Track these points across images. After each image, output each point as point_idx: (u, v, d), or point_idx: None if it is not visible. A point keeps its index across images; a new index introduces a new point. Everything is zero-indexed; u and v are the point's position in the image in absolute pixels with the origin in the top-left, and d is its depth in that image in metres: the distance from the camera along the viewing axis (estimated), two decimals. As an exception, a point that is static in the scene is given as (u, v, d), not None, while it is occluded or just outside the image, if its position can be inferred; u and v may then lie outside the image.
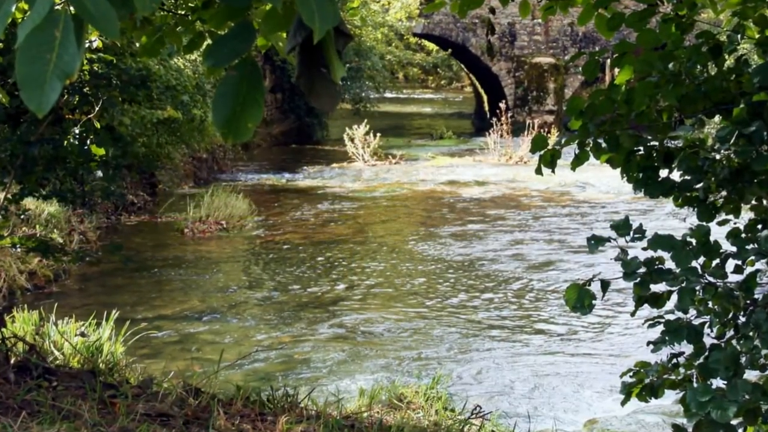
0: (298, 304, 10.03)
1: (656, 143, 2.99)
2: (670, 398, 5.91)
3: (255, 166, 21.64)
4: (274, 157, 23.74)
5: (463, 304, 10.11)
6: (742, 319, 2.87)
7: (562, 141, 3.02)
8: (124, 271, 10.83)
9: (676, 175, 3.04)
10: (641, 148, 2.99)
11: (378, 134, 22.36)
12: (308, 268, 11.68)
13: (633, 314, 2.98)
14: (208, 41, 3.12)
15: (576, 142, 3.01)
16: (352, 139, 22.34)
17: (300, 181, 19.76)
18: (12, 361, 4.81)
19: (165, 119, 12.69)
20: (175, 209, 14.58)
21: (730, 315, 2.89)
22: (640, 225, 2.89)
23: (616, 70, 2.95)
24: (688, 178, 2.99)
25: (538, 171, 3.06)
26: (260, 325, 9.19)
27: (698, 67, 2.94)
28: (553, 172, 3.06)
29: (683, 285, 2.79)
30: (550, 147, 3.03)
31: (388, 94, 37.56)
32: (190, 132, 13.76)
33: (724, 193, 3.04)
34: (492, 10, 4.59)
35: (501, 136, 23.41)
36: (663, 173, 3.03)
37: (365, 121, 22.71)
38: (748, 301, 2.83)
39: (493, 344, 8.73)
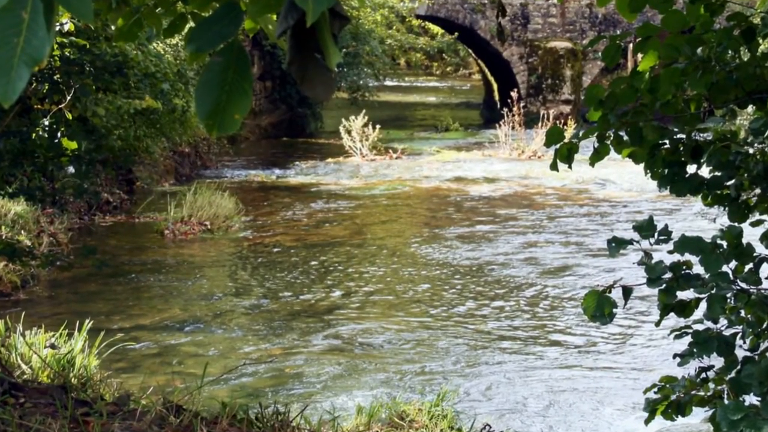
0: (289, 312, 10.07)
1: (683, 136, 2.99)
2: (698, 416, 5.93)
3: (242, 161, 21.66)
4: (263, 151, 23.77)
5: (471, 313, 10.15)
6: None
7: (580, 134, 3.03)
8: (99, 277, 10.87)
9: (705, 171, 3.04)
10: (667, 141, 2.99)
11: (377, 126, 22.36)
12: (301, 274, 11.71)
13: (658, 324, 2.98)
14: (191, 24, 3.12)
15: (595, 134, 3.01)
16: (348, 132, 22.36)
17: (291, 178, 19.80)
18: (-25, 376, 4.80)
19: (143, 109, 12.70)
20: (154, 209, 14.62)
21: (765, 325, 2.89)
22: (666, 226, 2.89)
23: (639, 55, 2.95)
24: (718, 174, 2.99)
25: (554, 167, 3.05)
26: (248, 336, 9.23)
27: (729, 52, 2.94)
28: (569, 167, 3.06)
29: (713, 292, 2.79)
30: (566, 140, 3.03)
31: (388, 82, 37.58)
32: (170, 124, 13.78)
33: (757, 190, 3.04)
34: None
35: (513, 128, 23.43)
36: (691, 169, 3.03)
37: (363, 111, 22.72)
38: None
39: (504, 357, 8.76)
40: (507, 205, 16.79)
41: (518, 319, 9.90)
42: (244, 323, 9.71)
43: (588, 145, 3.14)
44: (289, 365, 8.36)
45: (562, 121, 22.30)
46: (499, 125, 23.79)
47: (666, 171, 2.99)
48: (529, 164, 21.16)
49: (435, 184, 19.26)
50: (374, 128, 22.35)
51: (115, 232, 13.72)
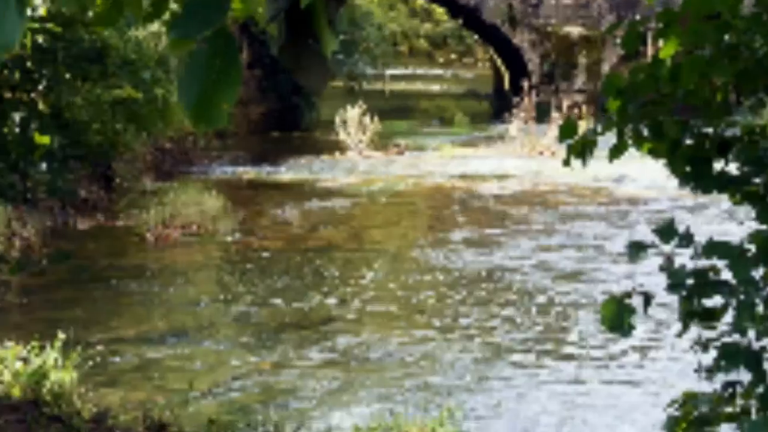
0: (281, 323, 10.06)
1: (708, 130, 2.99)
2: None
3: (229, 157, 21.57)
4: (253, 146, 23.73)
5: (479, 323, 10.16)
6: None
7: (598, 128, 3.02)
8: (75, 284, 10.86)
9: (732, 168, 3.04)
10: (690, 135, 2.99)
11: (376, 118, 22.36)
12: (293, 281, 11.71)
13: (680, 335, 2.98)
14: (174, 7, 3.12)
15: (613, 128, 3.01)
16: (344, 123, 22.34)
17: (283, 175, 19.79)
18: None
19: (123, 100, 12.71)
20: (134, 209, 14.63)
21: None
22: (687, 228, 2.89)
23: (661, 42, 2.95)
24: (747, 170, 2.99)
25: (566, 163, 3.05)
26: (236, 349, 9.24)
27: (758, 38, 2.94)
28: (584, 164, 3.06)
29: (741, 299, 2.79)
30: (580, 135, 3.03)
31: (389, 71, 37.57)
32: (150, 116, 13.77)
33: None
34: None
35: (525, 122, 23.40)
36: (717, 165, 3.02)
37: (360, 102, 22.71)
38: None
39: (515, 371, 8.77)
40: (517, 205, 16.79)
41: (530, 330, 9.91)
42: (231, 334, 9.74)
43: (606, 139, 3.13)
44: (281, 380, 8.38)
45: (577, 111, 22.26)
46: (509, 118, 23.77)
47: (689, 168, 2.98)
48: (542, 161, 21.07)
49: (439, 182, 19.27)
50: (373, 119, 22.34)
51: (92, 235, 13.73)
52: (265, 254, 13.08)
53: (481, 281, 11.77)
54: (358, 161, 21.52)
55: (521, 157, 22.00)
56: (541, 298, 11.02)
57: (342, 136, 22.42)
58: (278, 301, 10.82)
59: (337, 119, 22.55)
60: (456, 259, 12.84)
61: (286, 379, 8.41)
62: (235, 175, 19.53)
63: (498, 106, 30.47)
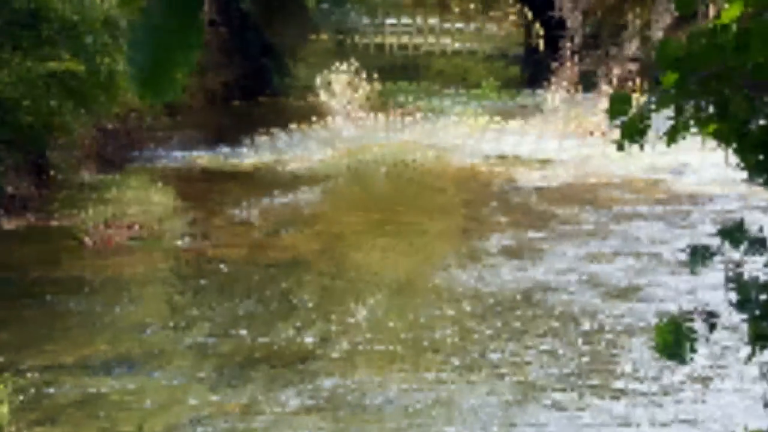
0: (246, 357, 10.07)
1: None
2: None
3: (181, 138, 21.19)
4: (209, 121, 23.33)
5: (511, 360, 10.12)
6: None
7: (652, 102, 3.05)
8: (2, 299, 10.92)
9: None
10: (763, 115, 3.00)
11: (373, 77, 22.08)
12: (257, 305, 11.69)
13: (748, 361, 2.99)
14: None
15: (670, 105, 3.02)
16: (329, 84, 22.08)
17: (244, 158, 19.52)
18: None
19: (61, 73, 12.70)
20: (72, 207, 14.61)
21: None
22: (761, 230, 2.90)
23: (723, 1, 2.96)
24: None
25: (620, 147, 3.10)
26: (193, 384, 9.27)
27: None
28: (641, 148, 3.10)
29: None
30: (634, 112, 3.05)
31: (390, 20, 37.13)
32: (92, 91, 13.76)
33: None
34: None
35: (568, 92, 23.27)
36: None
37: (351, 59, 22.53)
38: None
39: (552, 414, 8.75)
40: (564, 202, 16.71)
41: (571, 363, 9.94)
42: (187, 367, 9.79)
43: (661, 120, 3.17)
44: (252, 427, 8.37)
45: (631, 84, 22.15)
46: (548, 86, 23.59)
47: (761, 155, 3.00)
48: (591, 143, 20.72)
49: (468, 162, 18.97)
50: (371, 79, 22.02)
51: (22, 238, 13.75)
52: (222, 267, 13.03)
53: (517, 306, 11.73)
54: (341, 128, 21.09)
55: (566, 136, 21.59)
56: (587, 324, 11.06)
57: (323, 98, 22.08)
58: (241, 330, 10.80)
59: (318, 80, 22.25)
60: (489, 278, 12.71)
61: (257, 426, 8.38)
62: (186, 162, 19.33)
63: (531, 72, 30.23)
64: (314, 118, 21.60)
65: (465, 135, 20.80)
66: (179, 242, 14.10)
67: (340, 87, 21.84)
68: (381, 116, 21.77)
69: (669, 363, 6.79)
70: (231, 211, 15.80)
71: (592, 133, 21.97)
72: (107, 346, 10.13)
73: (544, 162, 19.48)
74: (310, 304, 11.88)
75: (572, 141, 21.23)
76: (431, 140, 19.85)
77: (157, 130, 21.25)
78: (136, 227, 14.05)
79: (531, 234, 14.75)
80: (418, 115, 22.10)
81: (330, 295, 12.36)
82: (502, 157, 19.48)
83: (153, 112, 20.59)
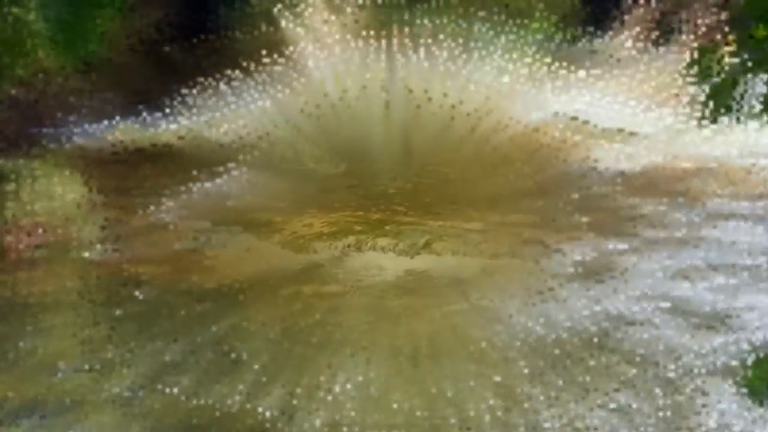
0: (183, 422, 10.28)
1: None
2: None
3: (95, 104, 20.41)
4: (131, 77, 22.42)
5: (571, 425, 10.55)
6: None
7: (745, 62, 1.06)
8: None
9: None
10: None
11: None
12: (189, 353, 11.27)
13: None
14: None
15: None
16: (294, 7, 20.26)
17: (169, 124, 17.40)
18: None
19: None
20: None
21: None
22: None
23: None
24: None
25: (713, 119, 1.81)
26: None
27: None
28: (737, 120, 1.42)
29: None
30: (725, 74, 1.07)
31: None
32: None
33: None
34: None
35: (643, 38, 21.76)
36: None
37: None
38: None
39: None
40: (651, 192, 15.41)
41: (648, 423, 10.44)
42: (111, 425, 10.23)
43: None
44: None
45: (719, 37, 20.70)
46: (620, 27, 22.03)
47: None
48: (677, 112, 19.68)
49: (526, 125, 16.64)
50: None
51: None
52: (138, 294, 12.44)
53: (587, 353, 11.52)
54: (308, 57, 18.19)
55: (646, 98, 20.38)
56: (671, 368, 11.14)
57: (285, 23, 19.98)
58: (173, 387, 10.67)
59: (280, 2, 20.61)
60: (553, 314, 11.99)
61: None
62: (99, 137, 17.63)
63: (595, 6, 29.09)
64: (270, 56, 18.98)
65: (512, 84, 18.66)
66: (87, 253, 13.39)
67: (312, 7, 19.38)
68: (377, 42, 18.72)
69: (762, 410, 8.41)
70: (147, 207, 14.50)
71: (677, 95, 20.60)
72: (12, 390, 10.54)
73: (626, 135, 17.45)
74: (262, 357, 11.25)
75: (654, 106, 18.96)
76: (456, 83, 17.41)
77: (68, 94, 19.67)
78: (40, 231, 13.63)
79: (613, 245, 13.83)
80: (436, 52, 19.25)
81: (290, 345, 11.31)
82: (573, 119, 17.08)
83: (63, 73, 18.99)
